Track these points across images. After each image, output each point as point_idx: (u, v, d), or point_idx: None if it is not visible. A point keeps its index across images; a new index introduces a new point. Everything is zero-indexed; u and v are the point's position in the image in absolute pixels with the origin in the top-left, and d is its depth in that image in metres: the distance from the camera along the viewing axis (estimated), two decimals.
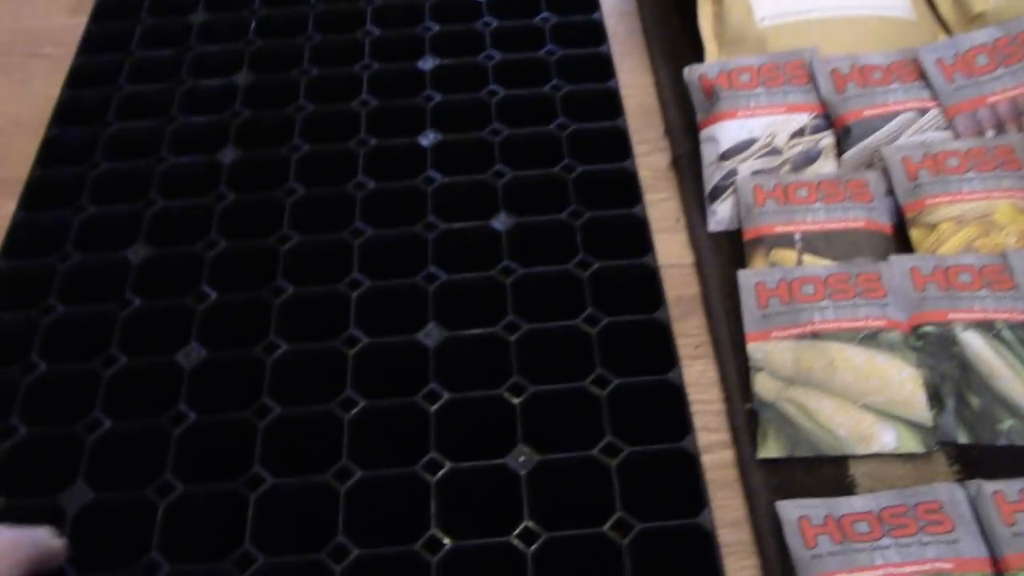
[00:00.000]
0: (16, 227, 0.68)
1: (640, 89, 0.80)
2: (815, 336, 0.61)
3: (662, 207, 0.71)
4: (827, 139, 0.72)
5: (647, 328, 0.59)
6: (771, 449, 0.57)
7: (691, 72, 0.77)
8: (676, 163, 0.74)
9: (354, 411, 0.56)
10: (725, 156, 0.72)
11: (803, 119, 0.73)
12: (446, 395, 0.56)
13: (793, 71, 0.75)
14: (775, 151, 0.72)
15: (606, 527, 0.50)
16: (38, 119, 0.78)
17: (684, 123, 0.76)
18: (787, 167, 0.71)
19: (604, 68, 0.77)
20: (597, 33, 0.80)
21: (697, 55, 0.81)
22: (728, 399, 0.60)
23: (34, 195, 0.71)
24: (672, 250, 0.68)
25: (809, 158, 0.71)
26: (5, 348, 0.60)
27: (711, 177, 0.71)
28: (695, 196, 0.71)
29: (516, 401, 0.55)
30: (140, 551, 0.51)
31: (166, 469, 0.54)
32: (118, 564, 0.51)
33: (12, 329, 0.61)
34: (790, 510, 0.54)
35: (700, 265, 0.68)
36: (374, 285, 0.62)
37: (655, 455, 0.53)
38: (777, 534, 0.54)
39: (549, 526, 0.50)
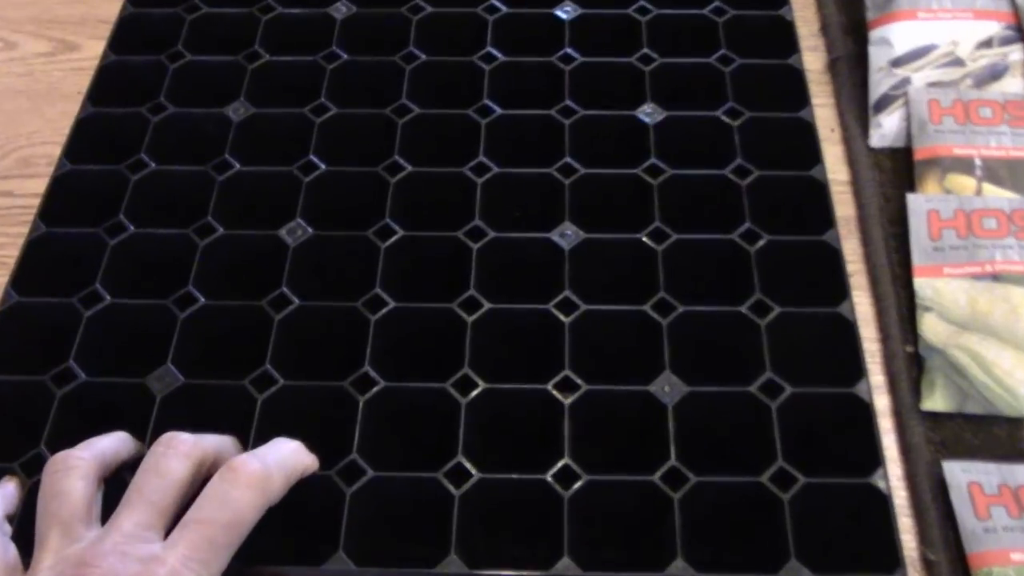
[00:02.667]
0: (104, 72, 0.62)
1: None
2: (995, 278, 0.54)
3: (815, 115, 0.62)
4: (1017, 53, 0.63)
5: (812, 251, 0.52)
6: (937, 402, 0.50)
7: None
8: (833, 65, 0.66)
9: (476, 314, 0.49)
10: (898, 62, 0.63)
11: (992, 28, 0.64)
12: (582, 306, 0.49)
13: None
14: (957, 62, 0.63)
15: (764, 478, 0.44)
16: None
17: (845, 21, 0.68)
18: (968, 81, 0.62)
19: None
20: None
21: None
22: (885, 338, 0.53)
23: (124, 37, 0.64)
24: (825, 164, 0.60)
25: (995, 73, 0.63)
26: (93, 209, 0.54)
27: (878, 85, 0.63)
28: (855, 105, 0.63)
29: (663, 321, 0.48)
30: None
31: (266, 359, 0.48)
32: None
33: (99, 187, 0.55)
34: (958, 473, 0.48)
35: (857, 183, 0.60)
36: (502, 172, 0.54)
37: (821, 399, 0.46)
38: (940, 497, 0.48)
39: (697, 468, 0.44)
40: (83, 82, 0.63)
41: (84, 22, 0.70)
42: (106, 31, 0.66)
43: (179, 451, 0.40)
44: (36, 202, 0.57)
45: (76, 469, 0.40)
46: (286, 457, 0.42)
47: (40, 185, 0.58)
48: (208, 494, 0.39)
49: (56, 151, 0.60)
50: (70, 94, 0.65)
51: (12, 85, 0.67)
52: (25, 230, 0.55)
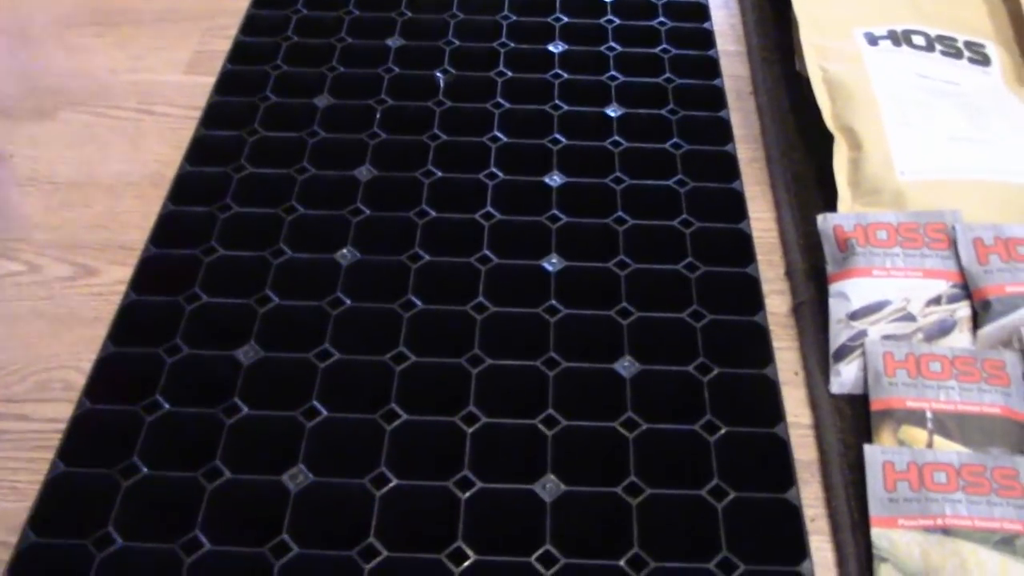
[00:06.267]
0: (125, 310, 0.67)
1: (760, 222, 0.77)
2: (946, 532, 0.57)
3: (779, 357, 0.67)
4: (963, 310, 0.69)
5: (775, 506, 0.56)
6: None
7: (825, 221, 0.74)
8: (797, 310, 0.71)
9: (463, 565, 0.53)
10: (855, 316, 0.68)
11: (940, 286, 0.69)
12: (562, 560, 0.53)
13: (933, 233, 0.72)
14: (909, 317, 0.68)
15: None
16: None
17: (807, 266, 0.73)
18: (920, 336, 0.68)
19: (736, 206, 0.74)
20: (730, 169, 0.77)
21: (823, 193, 0.78)
22: None
23: (146, 273, 0.69)
24: (788, 406, 0.64)
25: (943, 329, 0.68)
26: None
27: (838, 335, 0.68)
28: (817, 350, 0.68)
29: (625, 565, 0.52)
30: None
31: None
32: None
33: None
34: None
35: (819, 428, 0.64)
36: (489, 423, 0.59)
37: None
38: None
39: None
40: (101, 307, 0.67)
41: (105, 248, 0.74)
42: (126, 257, 0.71)
43: None
44: (50, 427, 0.60)
45: None
46: None
47: (56, 410, 0.62)
48: None
49: (72, 376, 0.63)
50: (88, 319, 0.68)
51: (34, 308, 0.70)
52: (39, 455, 0.59)
